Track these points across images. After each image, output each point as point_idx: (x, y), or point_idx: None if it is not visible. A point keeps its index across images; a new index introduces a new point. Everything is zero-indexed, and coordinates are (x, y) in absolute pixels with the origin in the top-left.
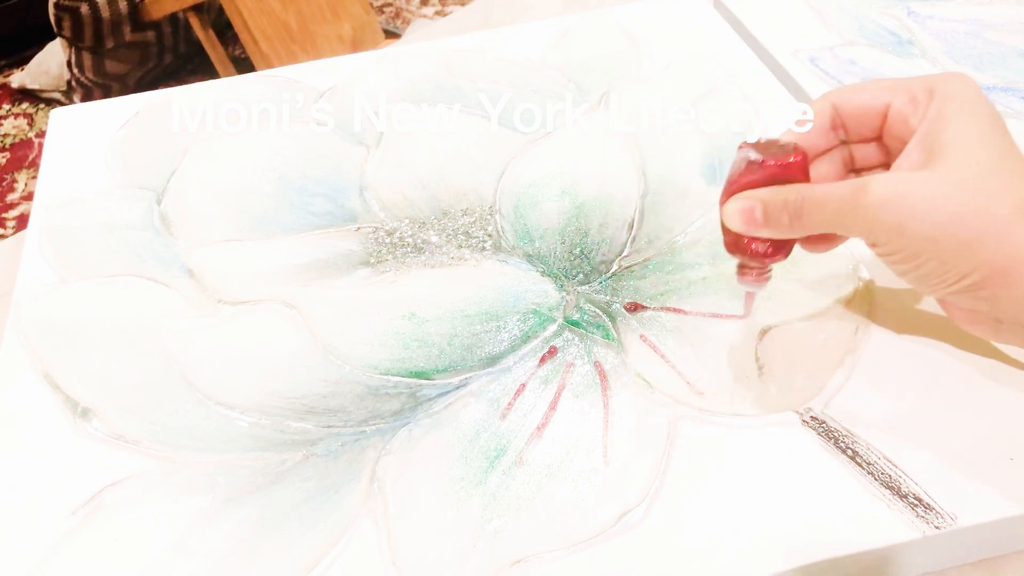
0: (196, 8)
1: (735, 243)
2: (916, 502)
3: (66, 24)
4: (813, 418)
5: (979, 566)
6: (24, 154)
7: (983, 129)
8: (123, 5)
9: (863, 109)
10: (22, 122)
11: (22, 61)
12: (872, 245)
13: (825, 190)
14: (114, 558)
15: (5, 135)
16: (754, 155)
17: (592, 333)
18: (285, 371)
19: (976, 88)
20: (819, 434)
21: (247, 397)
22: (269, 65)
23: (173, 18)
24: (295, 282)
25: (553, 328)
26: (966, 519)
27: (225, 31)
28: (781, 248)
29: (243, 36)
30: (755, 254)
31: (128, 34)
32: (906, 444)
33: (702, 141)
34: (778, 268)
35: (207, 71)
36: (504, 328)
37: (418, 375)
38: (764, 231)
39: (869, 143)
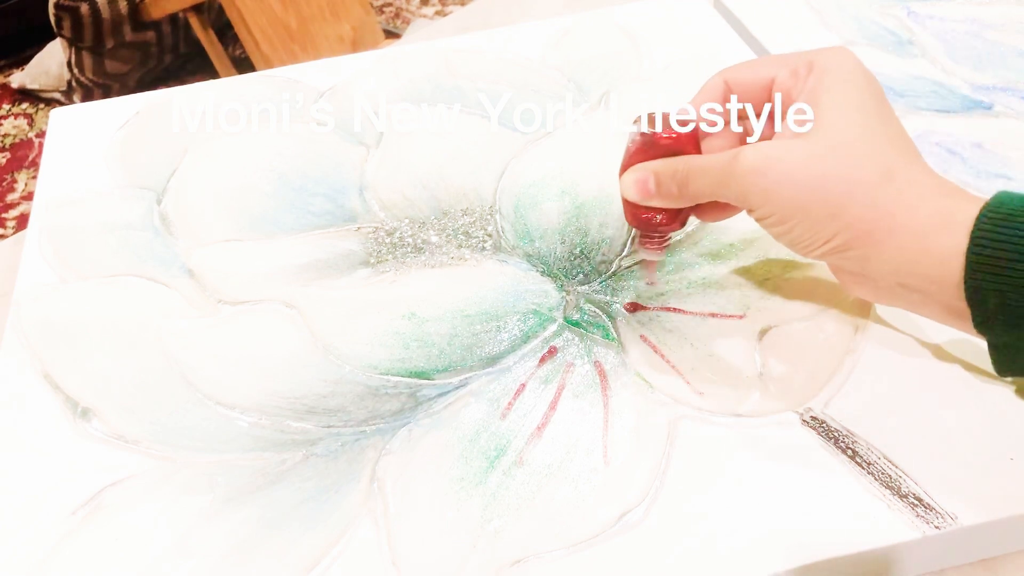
0: (196, 8)
1: (633, 214)
2: (916, 502)
3: (66, 24)
4: (813, 418)
5: (979, 566)
6: (24, 154)
7: (857, 99)
8: (123, 5)
9: (750, 83)
10: (22, 122)
11: (22, 61)
12: (749, 211)
13: (707, 159)
14: (114, 558)
15: (5, 135)
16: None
17: (592, 333)
18: (285, 371)
19: (855, 60)
20: (819, 434)
21: (247, 397)
22: (269, 65)
23: (173, 18)
24: (295, 282)
25: (553, 328)
26: (966, 519)
27: (225, 31)
28: (675, 217)
29: (243, 36)
30: (652, 224)
31: (128, 34)
32: (906, 444)
33: None
34: (778, 268)
35: (207, 71)
36: (504, 328)
37: (418, 375)
38: (656, 200)
39: (759, 117)
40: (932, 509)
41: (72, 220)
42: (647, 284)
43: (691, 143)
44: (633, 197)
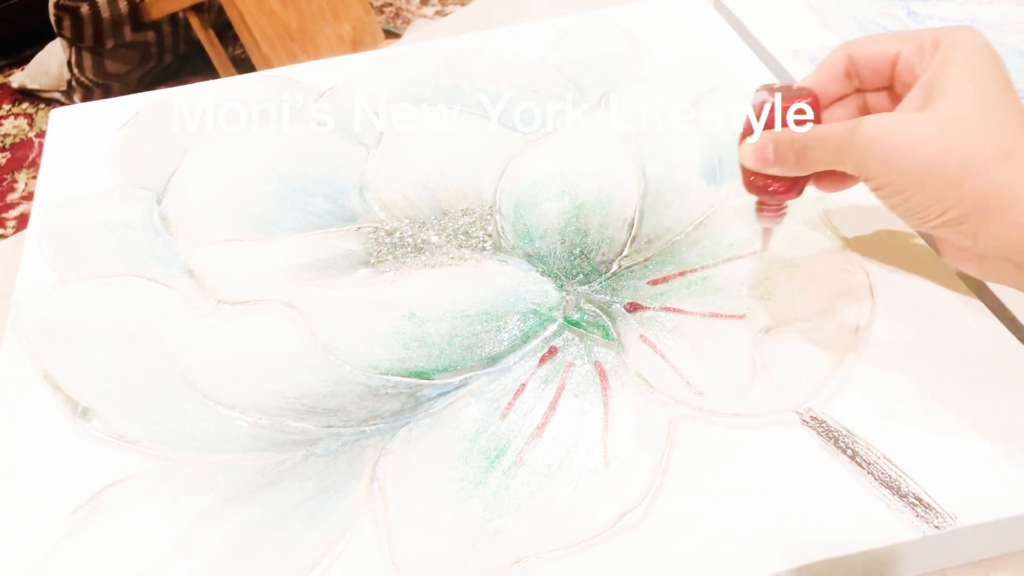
0: (196, 8)
1: (751, 182)
2: (916, 502)
3: (66, 24)
4: (813, 418)
5: (979, 566)
6: (24, 154)
7: (981, 76)
8: (123, 5)
9: (875, 58)
10: (22, 122)
11: (22, 61)
12: (865, 180)
13: (826, 128)
14: (114, 558)
15: (5, 135)
16: (768, 97)
17: (592, 333)
18: (285, 371)
19: (981, 39)
20: (819, 434)
21: (247, 397)
22: (269, 65)
23: (173, 18)
24: (295, 282)
25: (553, 328)
26: (966, 519)
27: (225, 31)
28: (793, 186)
29: (243, 36)
30: (769, 192)
31: (128, 34)
32: (906, 444)
33: (702, 141)
34: (778, 268)
35: (207, 71)
36: (504, 328)
37: (418, 375)
38: (775, 168)
39: (881, 91)
40: (932, 509)
41: (72, 220)
42: (761, 251)
43: (811, 113)
44: (751, 165)
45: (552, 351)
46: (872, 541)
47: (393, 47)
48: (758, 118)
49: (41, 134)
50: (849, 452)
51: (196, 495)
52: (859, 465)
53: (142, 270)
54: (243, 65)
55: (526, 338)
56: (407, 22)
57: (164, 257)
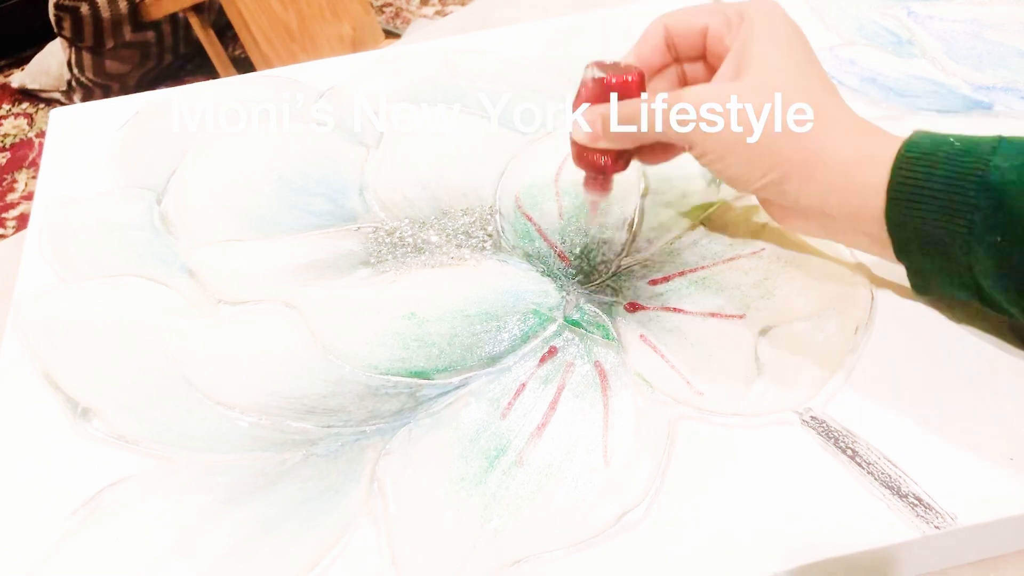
0: (196, 8)
1: (580, 155)
2: (916, 502)
3: (66, 24)
4: (813, 418)
5: (979, 566)
6: (24, 154)
7: (785, 45)
8: (123, 5)
9: (688, 29)
10: (22, 122)
11: (22, 61)
12: (689, 149)
13: (650, 101)
14: (114, 558)
15: (5, 135)
16: (598, 73)
17: (592, 333)
18: (285, 371)
19: (780, 11)
20: (819, 434)
21: (247, 397)
22: (269, 65)
23: (173, 18)
24: (295, 282)
25: (553, 328)
26: (966, 519)
27: (225, 31)
28: (619, 158)
29: (243, 36)
30: (598, 166)
31: (128, 34)
32: (906, 444)
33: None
34: (778, 268)
35: (207, 71)
36: (504, 328)
37: (418, 375)
38: (603, 142)
39: (696, 62)
40: (932, 509)
41: (72, 220)
42: (588, 224)
43: (638, 87)
44: (582, 139)
45: (552, 351)
46: (872, 541)
47: (393, 47)
48: (587, 94)
49: (41, 134)
50: (849, 452)
51: (196, 495)
52: (859, 465)
53: (142, 270)
54: (243, 65)
55: (526, 338)
56: (407, 22)
57: (164, 257)
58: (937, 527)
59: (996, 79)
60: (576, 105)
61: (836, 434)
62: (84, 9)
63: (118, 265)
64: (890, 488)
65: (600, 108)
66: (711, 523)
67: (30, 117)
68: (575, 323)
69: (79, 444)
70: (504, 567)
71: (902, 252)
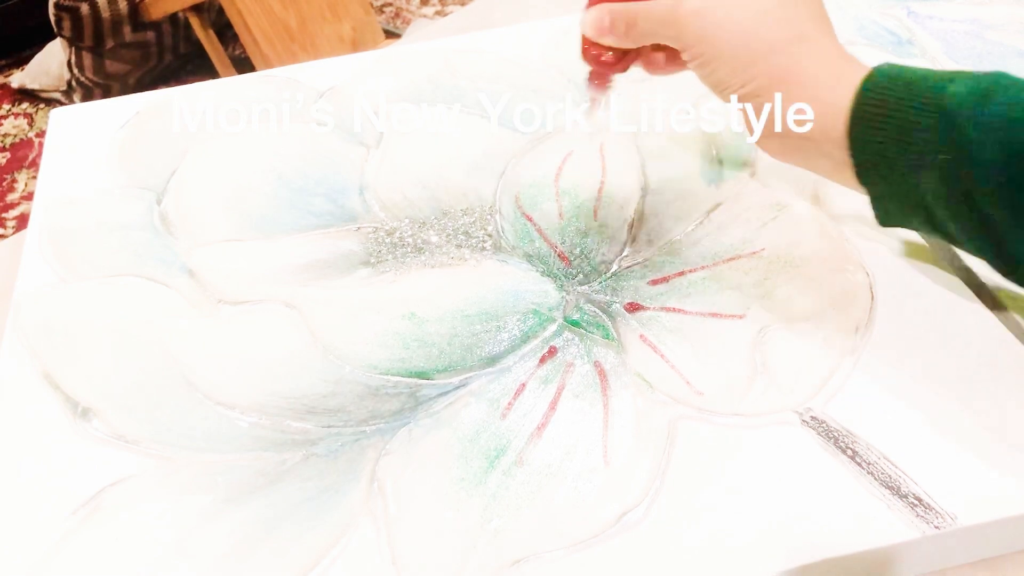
0: (196, 8)
1: (587, 51)
2: (916, 502)
3: (66, 24)
4: (813, 418)
5: (979, 566)
6: (24, 154)
7: None
8: (123, 5)
9: None
10: (22, 122)
11: (22, 61)
12: (682, 50)
13: (654, 3)
14: (114, 558)
15: (5, 135)
16: None
17: (592, 333)
18: (285, 371)
19: None
20: (819, 434)
21: (247, 397)
22: (269, 65)
23: (173, 18)
24: (295, 282)
25: (553, 328)
26: (966, 519)
27: (225, 31)
28: (622, 59)
29: (243, 36)
30: (601, 62)
31: (128, 34)
32: (906, 444)
33: (702, 141)
34: (778, 268)
35: (207, 71)
36: (504, 328)
37: (418, 375)
38: (609, 38)
39: None
40: (932, 509)
41: (72, 220)
42: (587, 118)
43: None
44: (589, 32)
45: (552, 351)
46: (872, 541)
47: (393, 47)
48: None
49: (41, 134)
50: (849, 452)
51: (196, 495)
52: (859, 465)
53: (142, 270)
54: (243, 65)
55: (526, 338)
56: (407, 22)
57: (164, 257)
58: (937, 527)
59: None
60: (588, 3)
61: (836, 434)
62: (84, 9)
63: (118, 265)
64: (890, 488)
65: (608, 5)
66: (711, 523)
67: (30, 117)
68: (575, 323)
69: (79, 444)
70: (504, 567)
71: (862, 174)
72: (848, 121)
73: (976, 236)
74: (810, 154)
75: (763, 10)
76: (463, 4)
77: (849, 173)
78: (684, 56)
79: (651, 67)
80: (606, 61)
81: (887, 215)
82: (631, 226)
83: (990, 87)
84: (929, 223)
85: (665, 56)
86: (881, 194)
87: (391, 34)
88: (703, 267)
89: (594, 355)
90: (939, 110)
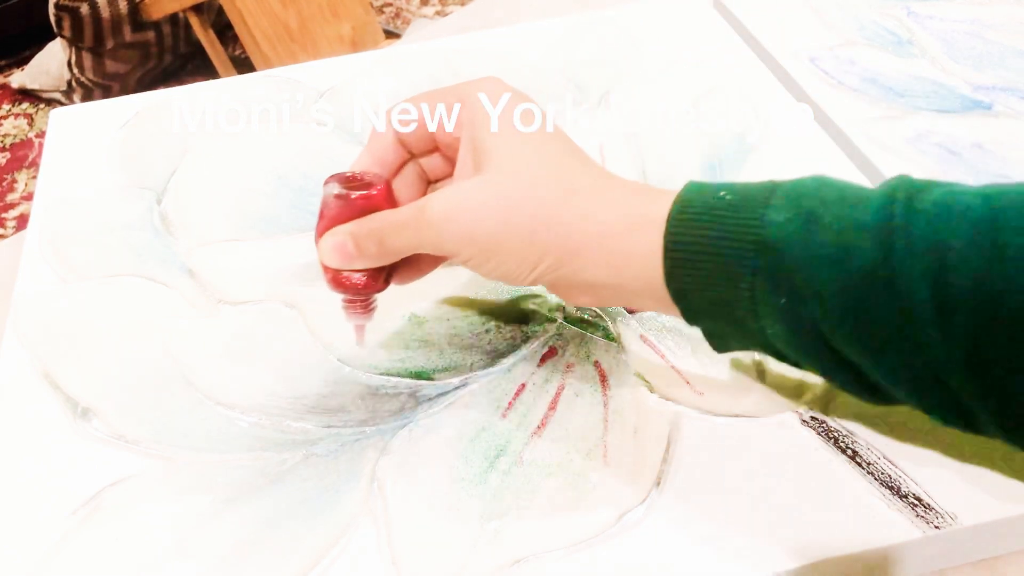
0: (196, 8)
1: (335, 279)
2: (916, 502)
3: (66, 24)
4: (813, 418)
5: (979, 566)
6: (24, 154)
7: (518, 126)
8: (123, 5)
9: (419, 139)
10: (22, 122)
11: (22, 61)
12: (450, 255)
13: (399, 214)
14: (114, 558)
15: (5, 135)
16: (339, 190)
17: (592, 333)
18: (285, 371)
19: (503, 86)
20: (819, 434)
21: (247, 397)
22: (269, 65)
23: (173, 18)
24: (295, 282)
25: (553, 328)
26: (966, 519)
27: (225, 31)
28: (378, 277)
29: (243, 36)
30: (356, 288)
31: (128, 34)
32: (906, 444)
33: (702, 141)
34: None
35: (207, 71)
36: (504, 328)
37: (418, 375)
38: (359, 262)
39: (432, 155)
40: (932, 509)
41: (72, 220)
42: (358, 345)
43: (385, 199)
44: (334, 263)
45: (552, 351)
46: (872, 541)
47: (393, 47)
48: (331, 213)
49: (41, 134)
50: (849, 452)
51: (196, 495)
52: (859, 465)
53: (142, 270)
54: (243, 65)
55: (526, 338)
56: (407, 22)
57: (164, 257)
58: (937, 527)
59: (996, 79)
60: (320, 228)
61: (836, 434)
62: (84, 9)
63: (118, 265)
64: (890, 488)
65: (348, 227)
66: (711, 523)
67: (30, 117)
68: (575, 323)
69: (79, 444)
70: (504, 567)
71: (691, 318)
72: (662, 269)
73: (835, 372)
74: (631, 300)
75: (513, 175)
76: (463, 4)
77: (679, 313)
78: (459, 262)
79: (412, 275)
80: (358, 284)
81: (726, 346)
82: None
83: (813, 208)
84: (777, 355)
85: (426, 258)
86: (714, 331)
87: (391, 34)
88: None
89: (594, 355)
90: (760, 246)
